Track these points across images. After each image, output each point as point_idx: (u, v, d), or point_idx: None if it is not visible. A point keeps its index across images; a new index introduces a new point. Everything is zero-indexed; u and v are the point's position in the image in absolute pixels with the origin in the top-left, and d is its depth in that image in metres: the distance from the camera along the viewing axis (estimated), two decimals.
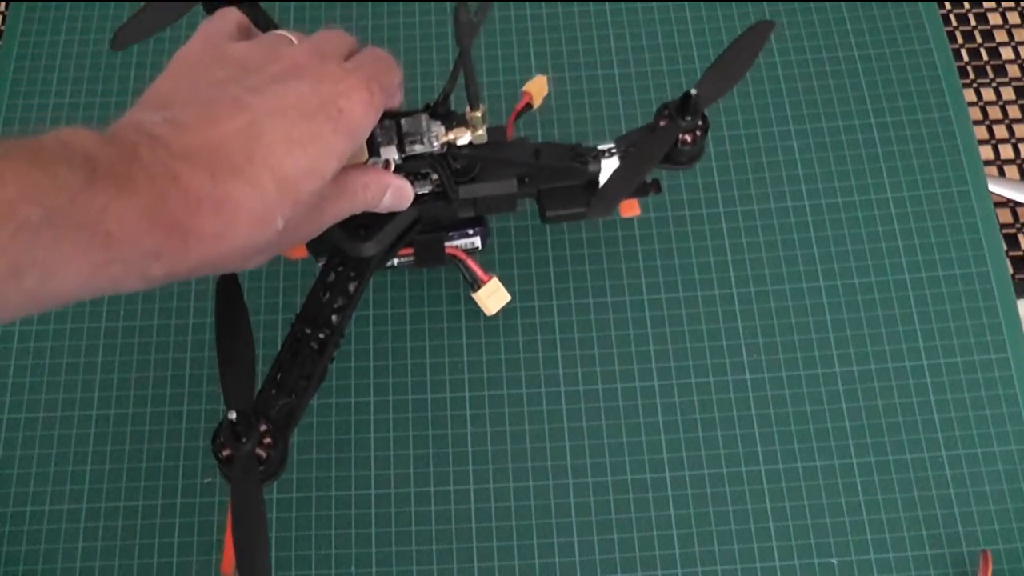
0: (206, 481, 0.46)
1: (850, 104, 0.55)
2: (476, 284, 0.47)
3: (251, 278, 0.50)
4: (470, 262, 0.46)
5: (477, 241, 0.46)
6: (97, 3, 0.59)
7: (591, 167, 0.43)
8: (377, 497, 0.46)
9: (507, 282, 0.49)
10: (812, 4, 0.58)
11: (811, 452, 0.46)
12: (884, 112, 0.54)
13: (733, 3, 0.58)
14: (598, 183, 0.44)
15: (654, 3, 0.58)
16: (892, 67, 0.56)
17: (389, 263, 0.45)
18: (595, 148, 0.44)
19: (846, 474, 0.46)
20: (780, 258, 0.51)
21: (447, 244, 0.45)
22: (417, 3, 0.58)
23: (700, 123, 0.42)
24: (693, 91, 0.41)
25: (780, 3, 0.58)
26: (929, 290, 0.50)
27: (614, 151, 0.43)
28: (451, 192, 0.41)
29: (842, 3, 0.58)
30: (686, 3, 0.58)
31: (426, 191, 0.42)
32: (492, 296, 0.47)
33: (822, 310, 0.49)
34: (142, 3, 0.59)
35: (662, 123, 0.42)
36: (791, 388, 0.48)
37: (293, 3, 0.58)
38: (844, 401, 0.47)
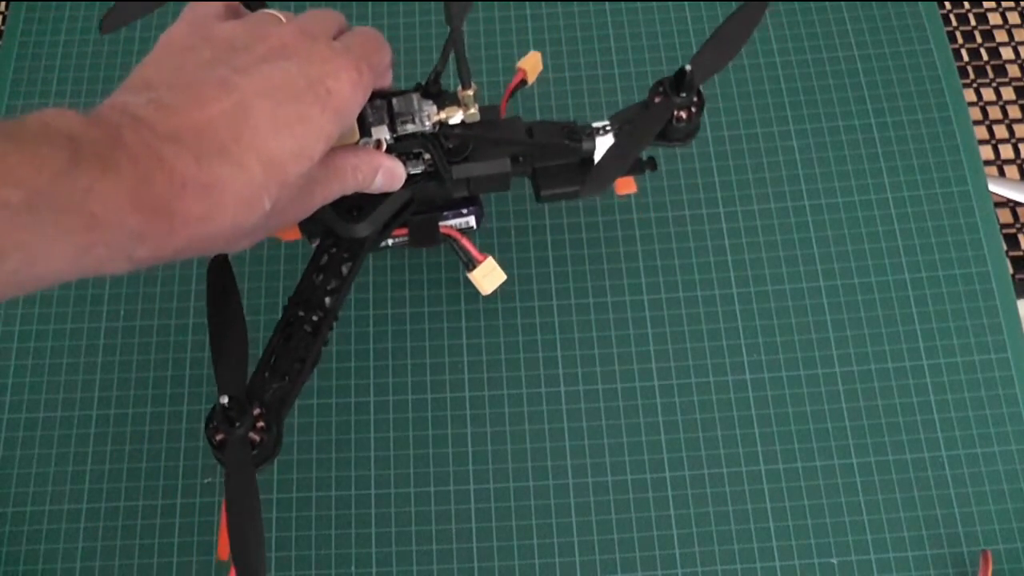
0: (206, 481, 0.46)
1: (850, 104, 0.55)
2: (471, 264, 0.45)
3: (251, 266, 0.50)
4: (464, 241, 0.45)
5: (472, 220, 0.45)
6: (97, 3, 0.59)
7: (585, 145, 0.43)
8: (377, 497, 0.46)
9: (507, 282, 0.49)
10: (812, 4, 0.58)
11: (811, 452, 0.46)
12: (884, 112, 0.54)
13: (733, 3, 0.58)
14: (593, 161, 0.43)
15: (654, 3, 0.58)
16: (892, 67, 0.56)
17: (383, 244, 0.44)
18: (589, 126, 0.43)
19: (846, 474, 0.46)
20: (780, 258, 0.51)
21: (441, 224, 0.45)
22: (417, 3, 0.58)
23: (695, 99, 0.42)
24: (688, 67, 0.40)
25: (780, 3, 0.58)
26: (929, 290, 0.50)
27: (608, 128, 0.43)
28: (444, 172, 0.41)
29: (842, 3, 0.58)
30: (686, 3, 0.58)
31: (419, 171, 0.41)
32: (488, 276, 0.45)
33: (822, 310, 0.49)
34: None
35: (657, 100, 0.42)
36: (791, 388, 0.48)
37: (294, 3, 0.58)
38: (844, 401, 0.47)
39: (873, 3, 0.58)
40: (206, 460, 0.47)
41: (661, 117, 0.41)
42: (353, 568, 0.45)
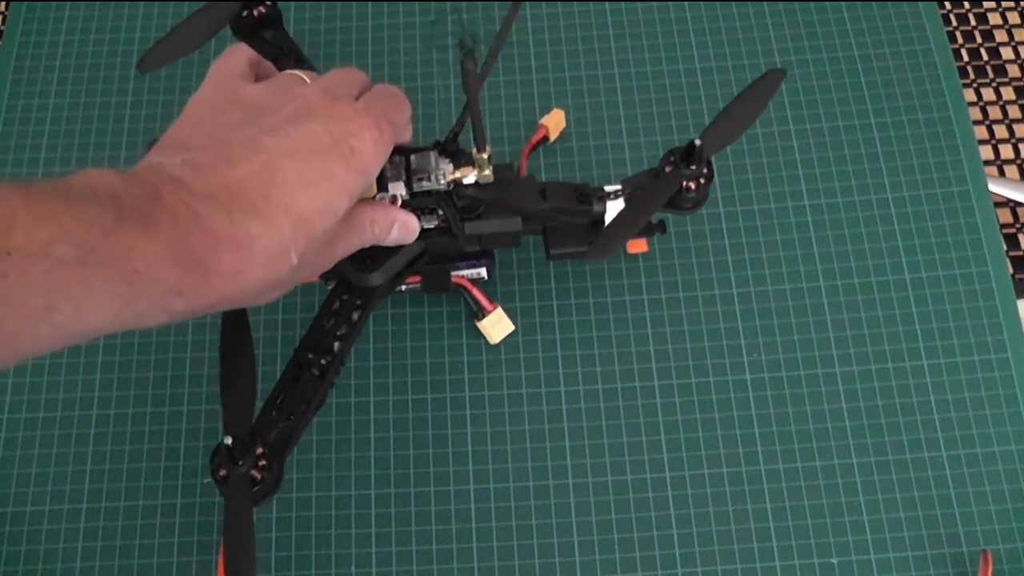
0: (206, 481, 0.46)
1: (850, 104, 0.55)
2: (481, 313, 0.48)
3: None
4: (475, 291, 0.48)
5: (483, 272, 0.47)
6: (97, 3, 0.59)
7: (596, 208, 0.44)
8: (377, 497, 0.46)
9: (506, 282, 0.49)
10: (812, 4, 0.58)
11: (811, 452, 0.46)
12: (884, 112, 0.54)
13: (733, 4, 0.58)
14: (603, 221, 0.44)
15: (654, 3, 0.58)
16: (892, 67, 0.56)
17: (396, 289, 0.46)
18: (601, 189, 0.44)
19: (846, 474, 0.46)
20: (780, 258, 0.51)
21: (453, 274, 0.46)
22: (417, 3, 0.58)
23: (705, 171, 0.43)
24: (697, 141, 0.41)
25: (780, 3, 0.58)
26: (929, 290, 0.50)
27: (620, 193, 0.44)
28: (456, 229, 0.42)
29: (842, 3, 0.58)
30: (686, 3, 0.58)
31: (432, 226, 0.42)
32: (496, 325, 0.48)
33: (822, 310, 0.49)
34: (140, 4, 0.59)
35: (667, 169, 0.43)
36: (791, 388, 0.48)
37: (294, 3, 0.58)
38: (844, 401, 0.47)
39: (873, 3, 0.58)
40: (206, 460, 0.47)
41: (670, 187, 0.42)
42: (353, 568, 0.45)
